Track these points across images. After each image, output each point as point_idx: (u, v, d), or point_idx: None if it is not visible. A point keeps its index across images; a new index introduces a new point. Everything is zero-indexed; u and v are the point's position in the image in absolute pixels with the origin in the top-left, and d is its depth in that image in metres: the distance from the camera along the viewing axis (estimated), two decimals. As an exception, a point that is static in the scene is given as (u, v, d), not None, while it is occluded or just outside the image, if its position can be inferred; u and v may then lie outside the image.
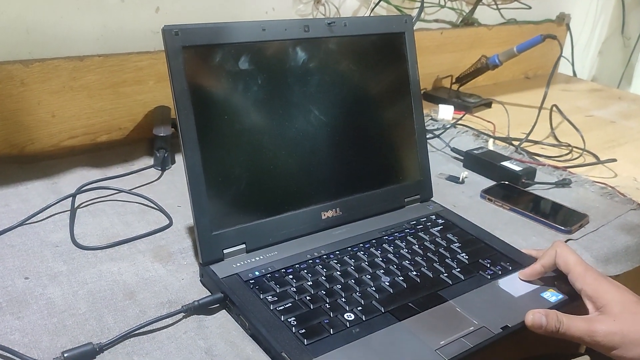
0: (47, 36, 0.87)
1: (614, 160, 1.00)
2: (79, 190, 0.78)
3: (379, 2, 1.20)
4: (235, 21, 0.63)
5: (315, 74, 0.68)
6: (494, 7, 1.42)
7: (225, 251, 0.62)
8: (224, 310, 0.59)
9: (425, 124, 0.99)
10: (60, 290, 0.59)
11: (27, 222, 0.70)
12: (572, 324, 0.55)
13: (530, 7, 1.45)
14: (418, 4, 1.27)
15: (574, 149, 1.06)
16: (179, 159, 0.91)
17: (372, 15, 1.20)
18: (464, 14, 1.40)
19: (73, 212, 0.73)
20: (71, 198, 0.75)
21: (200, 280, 0.63)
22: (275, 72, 0.66)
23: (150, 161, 0.90)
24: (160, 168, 0.87)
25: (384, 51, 0.74)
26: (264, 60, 0.65)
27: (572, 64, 1.61)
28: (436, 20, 1.36)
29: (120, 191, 0.79)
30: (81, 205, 0.76)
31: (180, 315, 0.57)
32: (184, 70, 0.59)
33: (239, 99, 0.64)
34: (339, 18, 0.70)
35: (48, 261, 0.64)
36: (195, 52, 0.60)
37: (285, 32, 0.66)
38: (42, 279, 0.61)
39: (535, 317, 0.55)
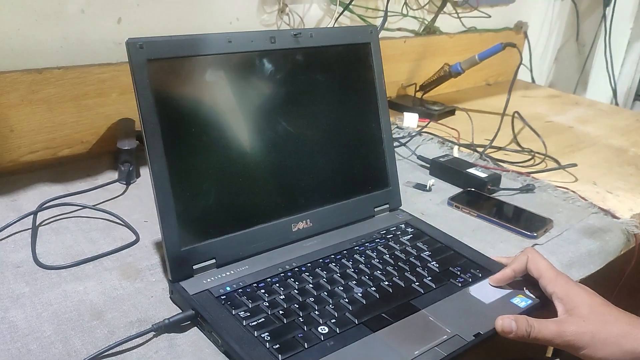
0: (4, 49, 0.84)
1: (575, 165, 1.03)
2: (41, 208, 0.75)
3: (342, 12, 1.20)
4: (200, 33, 0.63)
5: (283, 86, 0.68)
6: (455, 15, 1.45)
7: (195, 267, 0.61)
8: (196, 327, 0.58)
9: (392, 133, 1.00)
10: (23, 313, 0.57)
11: (-15, 242, 0.68)
12: (543, 327, 0.56)
13: (490, 16, 1.48)
14: (381, 13, 1.28)
15: (536, 155, 1.08)
16: (144, 172, 0.89)
17: (336, 24, 1.21)
18: (426, 22, 1.42)
19: (35, 230, 0.71)
20: (32, 216, 0.73)
21: (170, 297, 0.61)
22: (242, 84, 0.65)
23: (114, 175, 0.88)
24: (125, 182, 0.85)
25: (350, 61, 0.75)
26: (230, 72, 0.64)
27: (531, 71, 1.65)
28: (399, 29, 1.37)
29: (84, 207, 0.77)
30: (43, 223, 0.73)
31: (151, 334, 0.56)
32: (149, 83, 0.58)
33: (206, 112, 0.63)
34: (305, 29, 0.70)
35: (9, 283, 0.62)
36: (160, 65, 0.59)
37: (252, 43, 0.65)
38: (3, 301, 0.59)
39: (504, 323, 0.56)
